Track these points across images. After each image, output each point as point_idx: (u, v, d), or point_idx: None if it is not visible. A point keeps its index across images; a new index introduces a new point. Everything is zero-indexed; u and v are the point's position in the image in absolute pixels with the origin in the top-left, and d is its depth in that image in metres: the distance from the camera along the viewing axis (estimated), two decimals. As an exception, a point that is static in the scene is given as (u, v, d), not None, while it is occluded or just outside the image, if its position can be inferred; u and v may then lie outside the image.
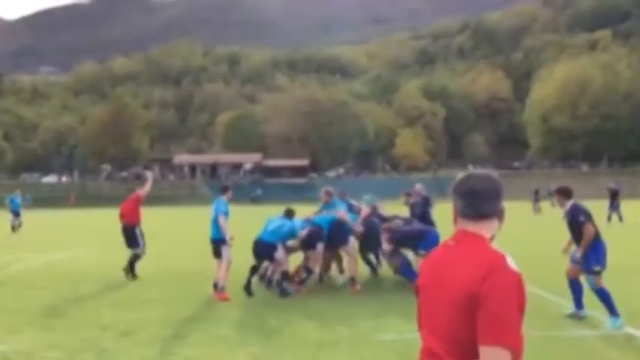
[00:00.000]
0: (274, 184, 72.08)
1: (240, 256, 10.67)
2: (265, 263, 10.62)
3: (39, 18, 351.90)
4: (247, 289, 10.00)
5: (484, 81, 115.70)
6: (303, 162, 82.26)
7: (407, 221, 11.58)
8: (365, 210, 11.74)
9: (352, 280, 10.49)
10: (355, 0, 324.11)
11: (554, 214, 29.25)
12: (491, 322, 1.92)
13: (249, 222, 15.08)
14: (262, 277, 10.79)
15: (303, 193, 55.54)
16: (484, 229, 2.17)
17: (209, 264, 11.75)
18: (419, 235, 10.53)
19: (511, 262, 2.02)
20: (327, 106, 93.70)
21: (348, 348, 6.82)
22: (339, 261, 11.83)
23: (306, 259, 10.80)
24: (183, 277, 12.45)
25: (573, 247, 8.16)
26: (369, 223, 11.38)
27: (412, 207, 12.99)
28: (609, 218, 24.68)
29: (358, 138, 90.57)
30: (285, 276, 10.22)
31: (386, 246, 10.75)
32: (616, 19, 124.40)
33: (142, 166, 68.67)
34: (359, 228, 11.22)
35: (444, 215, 16.47)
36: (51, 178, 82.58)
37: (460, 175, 2.33)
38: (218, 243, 10.10)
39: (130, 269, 12.21)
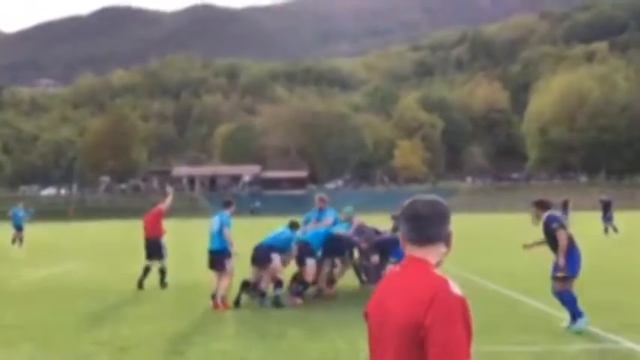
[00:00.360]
0: (273, 196, 72.06)
1: (240, 269, 10.65)
2: (255, 277, 10.66)
3: (38, 31, 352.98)
4: (237, 304, 10.24)
5: (482, 93, 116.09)
6: (302, 174, 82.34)
7: (378, 232, 11.93)
8: (357, 220, 11.82)
9: (319, 290, 10.97)
10: (353, 12, 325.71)
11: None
12: (440, 350, 1.90)
13: (248, 234, 15.04)
14: (255, 291, 10.74)
15: (302, 205, 55.27)
16: (429, 254, 2.15)
17: (207, 277, 11.72)
18: (388, 243, 10.66)
19: (454, 287, 2.00)
20: (326, 118, 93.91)
21: (348, 363, 6.78)
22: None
23: (301, 271, 10.85)
24: (181, 290, 12.41)
25: (537, 248, 8.63)
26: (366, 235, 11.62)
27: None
28: (606, 230, 24.60)
29: (357, 150, 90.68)
30: (279, 285, 10.30)
31: (374, 258, 11.12)
32: (613, 32, 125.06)
33: (167, 183, 68.78)
34: (364, 245, 11.40)
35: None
36: (50, 191, 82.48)
37: (407, 200, 2.30)
38: (219, 255, 10.26)
39: (161, 280, 12.88)
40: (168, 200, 13.48)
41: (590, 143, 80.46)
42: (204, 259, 11.12)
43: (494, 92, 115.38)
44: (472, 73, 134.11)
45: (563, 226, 8.13)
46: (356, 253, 12.26)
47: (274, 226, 12.33)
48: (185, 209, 64.59)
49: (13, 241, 24.45)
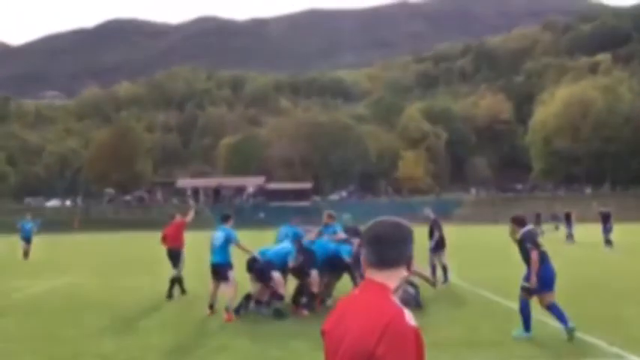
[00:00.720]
0: (277, 207, 71.99)
1: (244, 280, 10.68)
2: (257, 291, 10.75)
3: (43, 43, 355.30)
4: (238, 311, 10.44)
5: (486, 104, 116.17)
6: (306, 185, 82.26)
7: None
8: (357, 241, 11.70)
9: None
10: (357, 24, 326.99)
11: (557, 238, 29.18)
12: None
13: (252, 245, 15.02)
14: (257, 304, 10.86)
15: (307, 217, 55.40)
16: (389, 278, 2.11)
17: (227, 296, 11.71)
18: None
19: (409, 317, 1.97)
20: (330, 129, 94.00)
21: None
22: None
23: (303, 283, 10.90)
24: (184, 303, 12.42)
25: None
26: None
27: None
28: (607, 242, 24.31)
29: (361, 161, 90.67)
30: (280, 298, 10.42)
31: None
32: (616, 43, 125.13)
33: (191, 198, 68.67)
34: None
35: (448, 238, 16.46)
36: (54, 202, 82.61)
37: (371, 221, 2.26)
38: (221, 267, 10.53)
39: (180, 287, 13.45)
40: (191, 214, 14.38)
41: (595, 154, 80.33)
42: (206, 271, 11.21)
43: (498, 103, 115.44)
44: (476, 85, 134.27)
45: (535, 246, 8.59)
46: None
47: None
48: (189, 221, 64.55)
49: (25, 254, 24.12)
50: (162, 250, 14.20)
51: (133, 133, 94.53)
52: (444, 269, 14.40)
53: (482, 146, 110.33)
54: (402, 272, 2.14)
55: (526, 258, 8.70)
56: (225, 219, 11.12)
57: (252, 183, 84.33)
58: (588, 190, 76.42)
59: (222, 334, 9.22)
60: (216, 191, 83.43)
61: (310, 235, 11.85)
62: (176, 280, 13.30)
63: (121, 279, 17.30)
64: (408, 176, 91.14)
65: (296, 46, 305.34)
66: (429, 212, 15.20)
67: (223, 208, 65.95)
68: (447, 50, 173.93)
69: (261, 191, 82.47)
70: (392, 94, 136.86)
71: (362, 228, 11.88)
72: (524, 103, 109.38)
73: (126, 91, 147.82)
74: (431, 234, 14.67)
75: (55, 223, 57.01)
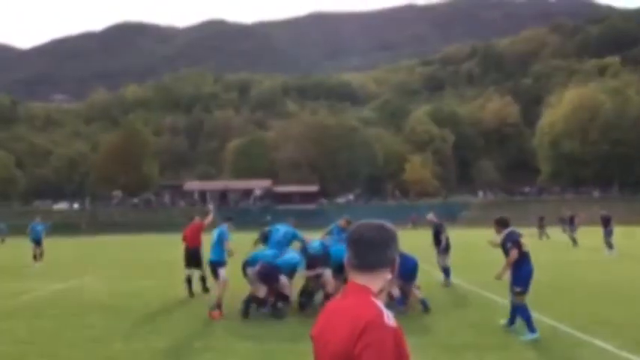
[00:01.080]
0: (284, 210, 72.03)
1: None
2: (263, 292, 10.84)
3: (52, 47, 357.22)
4: (246, 314, 10.59)
5: (493, 106, 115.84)
6: (313, 188, 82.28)
7: None
8: None
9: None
10: (364, 27, 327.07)
11: (561, 241, 29.04)
12: None
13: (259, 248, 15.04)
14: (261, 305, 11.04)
15: (313, 219, 55.38)
16: (371, 280, 2.09)
17: (216, 293, 11.71)
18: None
19: (388, 318, 1.95)
20: (337, 132, 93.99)
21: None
22: None
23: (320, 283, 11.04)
24: (191, 305, 12.43)
25: (507, 273, 9.16)
26: None
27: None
28: (609, 246, 24.12)
29: (367, 164, 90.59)
30: (285, 299, 10.60)
31: None
32: (625, 45, 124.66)
33: (210, 202, 69.60)
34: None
35: (454, 241, 16.44)
36: (62, 205, 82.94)
37: (355, 224, 2.24)
38: (215, 265, 11.21)
39: (203, 286, 14.14)
40: (210, 217, 14.74)
41: (603, 157, 79.95)
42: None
43: (506, 106, 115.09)
44: (483, 87, 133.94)
45: (516, 246, 8.94)
46: None
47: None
48: (186, 225, 64.65)
49: (35, 256, 24.10)
50: (171, 253, 14.42)
51: (140, 136, 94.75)
52: (446, 272, 14.77)
53: (489, 149, 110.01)
54: (386, 275, 2.12)
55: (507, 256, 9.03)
56: (225, 219, 11.95)
57: (259, 186, 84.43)
58: (596, 193, 76.04)
59: (230, 337, 9.22)
60: (223, 194, 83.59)
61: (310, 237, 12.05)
62: (201, 279, 14.16)
63: (128, 281, 17.33)
64: (415, 179, 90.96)
65: (303, 50, 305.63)
66: (432, 217, 15.70)
67: (230, 211, 66.09)
68: (454, 53, 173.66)
69: (268, 194, 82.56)
70: (398, 97, 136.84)
71: None
72: (531, 106, 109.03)
73: (133, 95, 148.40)
74: (436, 237, 15.09)
75: (62, 226, 57.24)
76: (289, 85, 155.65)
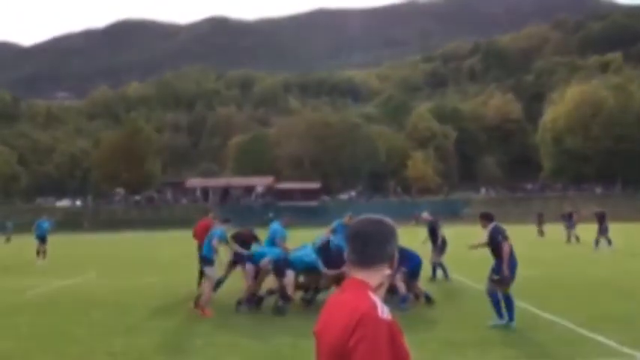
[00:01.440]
0: (286, 207, 72.05)
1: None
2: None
3: (54, 44, 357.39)
4: (278, 310, 10.69)
5: (495, 103, 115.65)
6: (315, 185, 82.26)
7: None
8: None
9: None
10: (366, 23, 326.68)
11: (561, 237, 29.01)
12: None
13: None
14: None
15: (316, 216, 55.56)
16: (370, 275, 2.10)
17: (220, 289, 11.78)
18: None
19: (382, 311, 1.95)
20: (339, 129, 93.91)
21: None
22: None
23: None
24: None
25: (480, 248, 10.00)
26: None
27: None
28: (609, 242, 24.09)
29: (370, 160, 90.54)
30: (286, 299, 10.65)
31: None
32: (627, 42, 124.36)
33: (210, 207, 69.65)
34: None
35: (455, 237, 16.47)
36: (65, 202, 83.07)
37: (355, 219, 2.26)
38: (202, 262, 11.33)
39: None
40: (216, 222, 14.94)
41: (605, 153, 79.72)
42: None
43: (508, 102, 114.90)
44: (485, 84, 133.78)
45: (507, 238, 9.31)
46: None
47: (287, 237, 12.47)
48: (198, 221, 64.77)
49: (38, 253, 24.15)
50: (173, 250, 14.34)
51: (142, 133, 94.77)
52: (434, 267, 14.96)
53: (491, 146, 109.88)
54: (384, 270, 2.13)
55: (495, 251, 9.40)
56: (223, 220, 12.13)
57: (261, 183, 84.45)
58: (599, 190, 75.94)
59: (233, 333, 9.25)
60: (225, 191, 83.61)
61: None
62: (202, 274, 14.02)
63: (130, 278, 17.38)
64: (417, 176, 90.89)
65: (305, 46, 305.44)
66: (427, 215, 15.88)
67: (232, 208, 66.17)
68: (456, 49, 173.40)
69: (270, 191, 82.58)
70: (401, 94, 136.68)
71: None
72: (534, 103, 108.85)
73: (136, 92, 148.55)
74: (431, 234, 15.28)
75: (65, 223, 57.40)
76: (291, 81, 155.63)
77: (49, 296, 13.94)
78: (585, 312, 10.25)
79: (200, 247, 14.15)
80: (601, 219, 24.30)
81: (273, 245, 11.89)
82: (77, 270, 20.22)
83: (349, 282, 2.13)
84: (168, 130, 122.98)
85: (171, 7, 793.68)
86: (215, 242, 11.05)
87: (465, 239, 10.70)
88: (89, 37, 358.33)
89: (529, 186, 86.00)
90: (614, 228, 25.60)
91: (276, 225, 12.57)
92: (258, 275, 11.33)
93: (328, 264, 10.98)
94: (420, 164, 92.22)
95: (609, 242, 23.63)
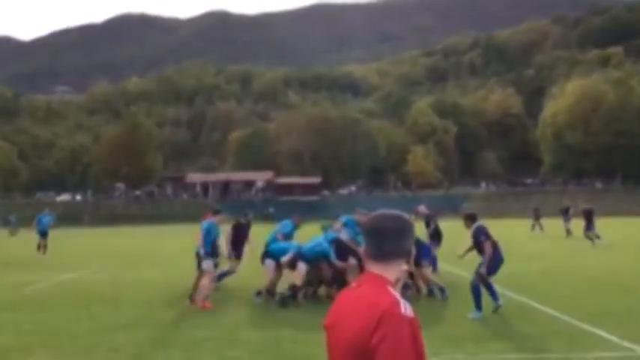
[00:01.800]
0: (286, 201, 72.11)
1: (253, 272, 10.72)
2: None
3: (53, 39, 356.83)
4: (283, 302, 10.77)
5: (495, 98, 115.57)
6: (315, 180, 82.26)
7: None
8: None
9: None
10: (366, 18, 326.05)
11: (560, 232, 29.00)
12: None
13: (261, 239, 15.07)
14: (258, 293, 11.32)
15: (316, 211, 55.50)
16: (387, 270, 2.11)
17: (221, 283, 11.78)
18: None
19: (405, 308, 1.96)
20: (339, 124, 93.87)
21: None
22: None
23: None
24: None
25: (469, 253, 10.41)
26: None
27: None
28: (598, 237, 24.04)
29: (370, 155, 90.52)
30: (294, 290, 10.79)
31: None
32: (628, 36, 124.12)
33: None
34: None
35: (455, 232, 16.47)
36: (65, 197, 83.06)
37: (372, 214, 2.26)
38: (198, 257, 11.41)
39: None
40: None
41: (606, 148, 79.63)
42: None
43: (508, 97, 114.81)
44: (485, 78, 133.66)
45: (489, 238, 9.83)
46: None
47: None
48: (198, 215, 64.77)
49: (39, 247, 24.14)
50: (173, 244, 14.34)
51: (142, 128, 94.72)
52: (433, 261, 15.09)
53: (491, 140, 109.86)
54: (401, 265, 2.14)
55: (480, 249, 9.93)
56: (213, 212, 12.12)
57: (261, 177, 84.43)
58: (599, 185, 75.92)
59: (234, 327, 9.24)
60: (226, 186, 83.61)
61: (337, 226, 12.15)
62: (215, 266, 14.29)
63: (131, 273, 17.38)
64: (417, 171, 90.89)
65: (305, 41, 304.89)
66: (423, 209, 16.01)
67: (232, 202, 66.15)
68: (457, 44, 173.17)
69: (270, 186, 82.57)
70: (401, 89, 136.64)
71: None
72: (534, 97, 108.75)
73: (135, 86, 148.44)
74: (428, 227, 15.45)
75: (65, 218, 57.37)
76: (291, 76, 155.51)
77: (49, 291, 13.94)
78: (586, 306, 10.25)
79: None
80: (588, 216, 24.25)
81: (276, 241, 11.89)
82: (77, 265, 20.22)
83: (366, 276, 2.13)
84: (168, 125, 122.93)
85: (170, 2, 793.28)
86: (200, 236, 11.25)
87: (465, 234, 10.69)
88: (89, 31, 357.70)
89: (529, 181, 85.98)
90: (613, 223, 25.68)
91: (287, 222, 12.68)
92: (278, 270, 11.35)
93: (338, 257, 11.08)
94: (420, 159, 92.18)
95: (598, 237, 23.63)
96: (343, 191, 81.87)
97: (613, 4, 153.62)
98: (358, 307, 2.01)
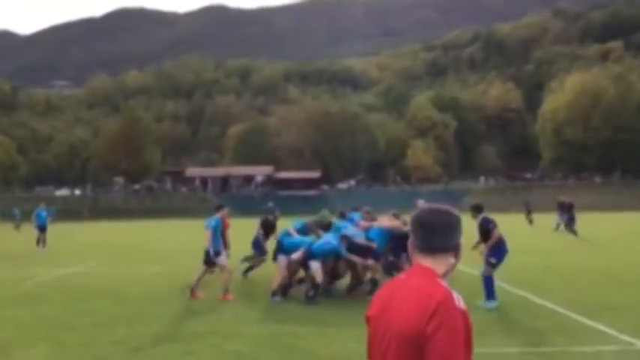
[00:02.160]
0: (286, 196, 72.10)
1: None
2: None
3: (53, 33, 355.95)
4: (312, 299, 10.68)
5: (495, 92, 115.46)
6: (315, 174, 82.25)
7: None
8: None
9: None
10: (366, 12, 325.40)
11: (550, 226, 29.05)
12: (439, 359, 1.92)
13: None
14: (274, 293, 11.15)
15: (315, 205, 55.49)
16: (437, 264, 2.15)
17: (220, 277, 11.79)
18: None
19: (458, 300, 2.01)
20: (339, 118, 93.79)
21: (360, 364, 6.79)
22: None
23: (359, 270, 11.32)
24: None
25: (482, 246, 10.38)
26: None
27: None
28: (557, 228, 24.17)
29: (369, 150, 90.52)
30: (316, 287, 10.73)
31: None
32: (628, 31, 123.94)
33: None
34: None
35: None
36: (64, 191, 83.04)
37: (419, 209, 2.30)
38: (207, 254, 11.39)
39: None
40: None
41: (605, 143, 79.65)
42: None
43: (508, 92, 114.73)
44: (485, 73, 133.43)
45: (496, 226, 10.04)
46: None
47: (287, 226, 12.44)
48: (197, 210, 64.88)
49: (38, 242, 24.15)
50: (173, 239, 14.38)
51: (141, 123, 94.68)
52: None
53: (491, 135, 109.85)
54: (450, 259, 2.18)
55: (486, 238, 10.12)
56: (215, 208, 12.22)
57: (260, 172, 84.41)
58: (598, 180, 75.97)
59: (233, 321, 9.26)
60: (225, 180, 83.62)
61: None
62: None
63: (131, 267, 17.40)
64: (417, 165, 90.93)
65: (304, 35, 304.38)
66: (422, 203, 15.95)
67: (232, 197, 66.20)
68: (457, 38, 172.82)
69: (269, 180, 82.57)
70: (401, 83, 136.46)
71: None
72: (533, 92, 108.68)
73: (134, 81, 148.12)
74: None
75: (64, 212, 57.40)
76: (291, 70, 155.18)
77: (49, 286, 13.95)
78: (585, 300, 10.28)
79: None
80: (569, 209, 24.41)
81: (288, 235, 11.76)
82: (77, 259, 20.23)
83: (415, 269, 2.17)
84: (167, 120, 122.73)
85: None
86: (206, 231, 11.31)
87: (465, 228, 10.62)
88: (88, 25, 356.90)
89: (528, 175, 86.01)
90: (612, 217, 25.71)
91: (303, 222, 12.64)
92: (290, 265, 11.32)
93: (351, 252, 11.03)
94: (420, 153, 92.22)
95: (574, 233, 23.80)
96: (343, 185, 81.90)
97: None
98: (410, 298, 2.04)
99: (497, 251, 9.96)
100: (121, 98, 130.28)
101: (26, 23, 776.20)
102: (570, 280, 12.99)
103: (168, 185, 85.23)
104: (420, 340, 1.95)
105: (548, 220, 33.28)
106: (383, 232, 11.27)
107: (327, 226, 12.06)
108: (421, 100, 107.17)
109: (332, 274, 11.50)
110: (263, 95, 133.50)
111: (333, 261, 11.28)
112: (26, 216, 33.16)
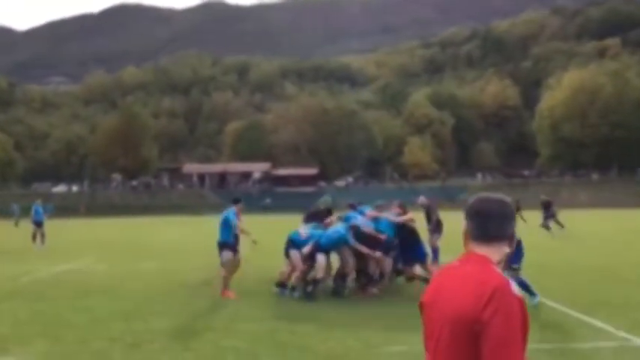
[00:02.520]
0: (283, 192, 72.15)
1: (255, 263, 10.71)
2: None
3: (50, 29, 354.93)
4: (338, 293, 10.74)
5: (493, 89, 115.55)
6: (312, 171, 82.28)
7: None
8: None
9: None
10: (364, 9, 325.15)
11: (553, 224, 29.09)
12: (495, 346, 1.92)
13: (259, 230, 15.07)
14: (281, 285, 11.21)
15: (313, 202, 55.59)
16: (491, 251, 2.16)
17: (218, 273, 11.78)
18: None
19: (514, 287, 2.02)
20: (336, 115, 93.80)
21: (358, 360, 6.80)
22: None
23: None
24: (192, 287, 12.45)
25: None
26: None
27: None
28: (546, 227, 24.40)
29: (367, 147, 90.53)
30: (315, 283, 10.68)
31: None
32: (625, 28, 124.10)
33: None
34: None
35: (453, 223, 16.50)
36: (61, 188, 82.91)
37: (474, 196, 2.33)
38: (219, 247, 11.25)
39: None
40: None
41: (602, 140, 79.75)
42: (213, 256, 11.34)
43: (505, 89, 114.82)
44: (483, 70, 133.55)
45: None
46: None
47: (284, 223, 12.44)
48: (195, 206, 64.95)
49: (34, 237, 24.12)
50: (170, 235, 14.27)
51: (139, 119, 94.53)
52: (434, 252, 15.01)
53: (488, 132, 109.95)
54: (504, 248, 2.19)
55: None
56: (233, 201, 11.99)
57: (258, 169, 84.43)
58: (595, 177, 76.09)
59: (230, 318, 9.25)
60: (222, 177, 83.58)
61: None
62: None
63: (128, 263, 17.38)
64: (414, 162, 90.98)
65: (302, 32, 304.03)
66: (423, 199, 16.10)
67: (229, 193, 66.13)
68: (454, 35, 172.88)
69: (267, 177, 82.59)
70: (398, 80, 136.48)
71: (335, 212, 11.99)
72: (531, 89, 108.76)
73: (132, 77, 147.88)
74: (428, 218, 15.52)
75: (61, 209, 57.32)
76: (288, 67, 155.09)
77: (47, 282, 13.93)
78: (582, 297, 10.30)
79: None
80: (547, 206, 24.71)
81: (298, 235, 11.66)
82: (74, 255, 20.20)
83: (470, 256, 2.19)
84: (164, 116, 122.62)
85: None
86: (235, 225, 11.22)
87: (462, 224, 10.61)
88: (85, 21, 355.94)
89: (526, 172, 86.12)
90: (609, 214, 25.75)
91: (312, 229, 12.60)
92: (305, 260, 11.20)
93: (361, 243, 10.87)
94: (417, 150, 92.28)
95: (548, 228, 24.02)
96: (340, 182, 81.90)
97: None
98: (466, 284, 2.05)
99: (515, 256, 9.49)
100: (118, 94, 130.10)
101: (23, 19, 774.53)
102: (567, 277, 13.01)
103: (166, 182, 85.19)
104: (475, 326, 1.95)
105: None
106: (392, 224, 11.26)
107: (326, 213, 12.05)
108: (418, 97, 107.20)
109: (341, 274, 11.24)
110: (260, 92, 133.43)
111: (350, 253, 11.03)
112: (24, 212, 33.11)
